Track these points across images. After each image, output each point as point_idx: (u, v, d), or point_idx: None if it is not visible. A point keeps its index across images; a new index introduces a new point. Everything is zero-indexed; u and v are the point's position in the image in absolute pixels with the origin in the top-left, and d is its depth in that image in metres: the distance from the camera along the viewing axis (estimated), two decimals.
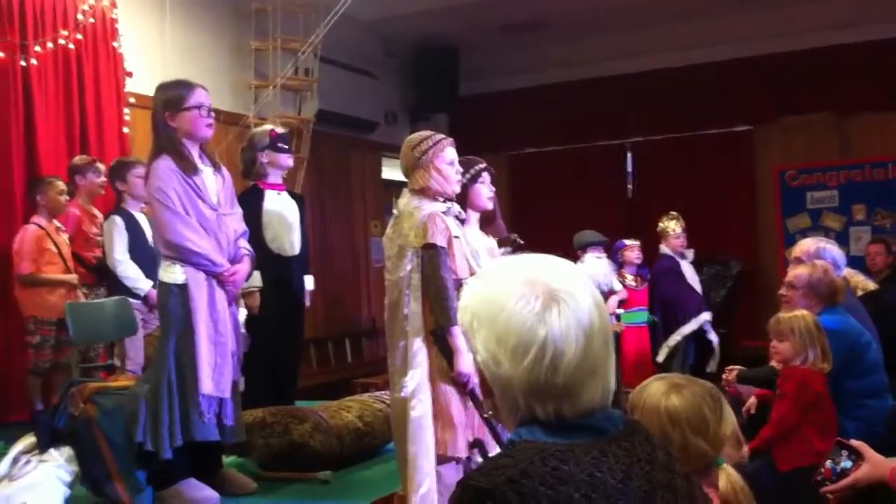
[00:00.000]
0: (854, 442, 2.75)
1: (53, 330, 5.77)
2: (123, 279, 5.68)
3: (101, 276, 5.98)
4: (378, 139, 10.34)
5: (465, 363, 3.69)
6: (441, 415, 3.82)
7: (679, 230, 7.85)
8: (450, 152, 4.01)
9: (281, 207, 5.58)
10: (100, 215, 6.15)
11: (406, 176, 4.05)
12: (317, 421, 4.92)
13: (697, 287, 8.00)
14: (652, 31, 10.02)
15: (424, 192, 3.96)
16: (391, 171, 10.68)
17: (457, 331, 3.68)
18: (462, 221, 4.16)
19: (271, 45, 8.20)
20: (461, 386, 3.81)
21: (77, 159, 6.24)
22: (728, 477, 2.15)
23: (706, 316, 7.80)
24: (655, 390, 2.15)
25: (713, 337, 7.88)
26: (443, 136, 4.07)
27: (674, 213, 7.99)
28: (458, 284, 3.80)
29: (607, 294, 7.14)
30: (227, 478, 4.53)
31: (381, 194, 10.50)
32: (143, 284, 5.64)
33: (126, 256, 5.67)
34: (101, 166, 6.17)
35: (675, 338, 7.72)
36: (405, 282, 3.87)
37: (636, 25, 9.96)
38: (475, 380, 3.75)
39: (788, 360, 4.14)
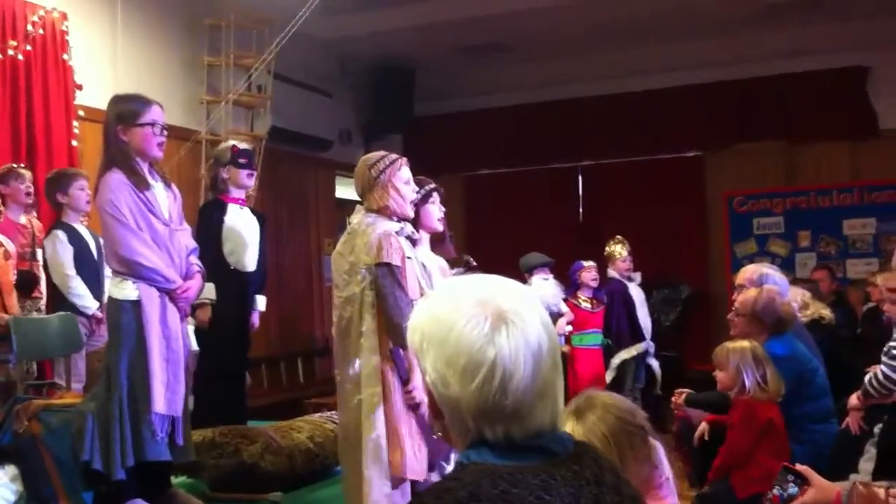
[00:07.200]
0: (800, 467, 2.79)
1: None
2: (73, 296, 5.52)
3: (26, 290, 5.63)
4: (332, 157, 10.28)
5: (420, 381, 3.69)
6: (391, 436, 3.80)
7: (625, 254, 7.90)
8: (405, 171, 4.03)
9: (241, 222, 5.56)
10: (32, 226, 5.84)
11: (361, 195, 4.04)
12: (267, 441, 4.86)
13: (645, 310, 8.05)
14: (607, 56, 10.12)
15: (381, 212, 3.96)
16: (345, 190, 10.63)
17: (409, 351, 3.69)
18: (413, 242, 4.16)
19: (224, 60, 8.14)
20: (413, 406, 3.80)
21: None
22: None
23: (643, 346, 7.86)
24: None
25: (653, 362, 7.95)
26: (397, 155, 4.09)
27: (619, 237, 8.05)
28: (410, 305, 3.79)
29: (556, 316, 7.16)
30: (176, 498, 4.44)
31: (335, 213, 10.43)
32: (91, 303, 5.53)
33: (74, 272, 5.51)
34: (25, 172, 5.81)
35: (616, 361, 7.76)
36: (359, 299, 3.85)
37: (592, 50, 10.06)
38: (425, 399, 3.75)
39: (727, 388, 4.19)
